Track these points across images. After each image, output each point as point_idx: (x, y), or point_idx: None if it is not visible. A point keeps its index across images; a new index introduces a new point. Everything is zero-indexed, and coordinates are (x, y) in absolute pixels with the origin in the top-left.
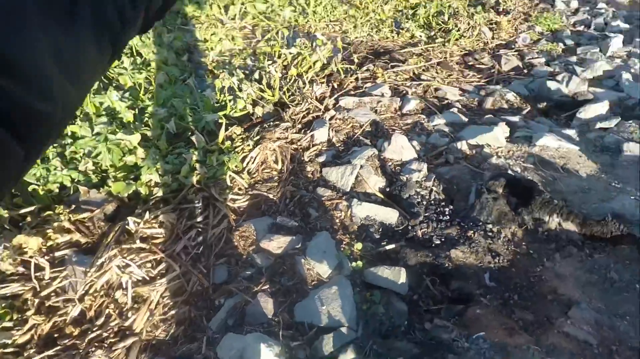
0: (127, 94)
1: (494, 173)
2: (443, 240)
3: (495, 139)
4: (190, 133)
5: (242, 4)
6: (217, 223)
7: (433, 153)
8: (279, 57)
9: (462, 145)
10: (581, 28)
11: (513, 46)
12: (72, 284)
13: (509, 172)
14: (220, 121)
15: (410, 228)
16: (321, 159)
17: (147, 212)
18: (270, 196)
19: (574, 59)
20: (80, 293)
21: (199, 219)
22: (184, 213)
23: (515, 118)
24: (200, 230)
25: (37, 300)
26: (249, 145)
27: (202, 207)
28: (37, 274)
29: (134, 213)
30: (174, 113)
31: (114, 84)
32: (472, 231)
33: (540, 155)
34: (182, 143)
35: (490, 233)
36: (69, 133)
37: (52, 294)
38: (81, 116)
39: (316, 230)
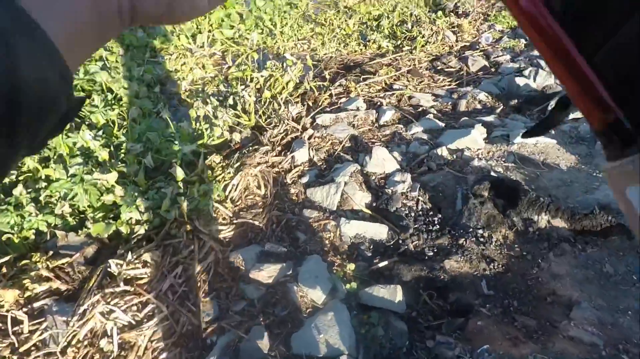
0: (100, 132)
1: (477, 176)
2: (435, 251)
3: (474, 142)
4: (169, 167)
5: (209, 31)
6: (203, 257)
7: (415, 162)
8: (251, 80)
9: (443, 151)
10: None
11: (477, 47)
12: (54, 336)
13: (492, 173)
14: (198, 150)
15: (401, 242)
16: (304, 180)
17: (130, 252)
18: (256, 223)
19: (536, 52)
20: (63, 344)
21: (184, 254)
22: (168, 249)
23: (491, 118)
24: (186, 266)
25: (15, 357)
26: (229, 172)
27: (187, 241)
28: (15, 328)
29: (116, 254)
30: (150, 148)
31: (86, 122)
32: (463, 239)
33: (519, 153)
34: (162, 177)
35: (481, 239)
36: (43, 177)
37: (32, 348)
38: (55, 158)
39: (306, 254)
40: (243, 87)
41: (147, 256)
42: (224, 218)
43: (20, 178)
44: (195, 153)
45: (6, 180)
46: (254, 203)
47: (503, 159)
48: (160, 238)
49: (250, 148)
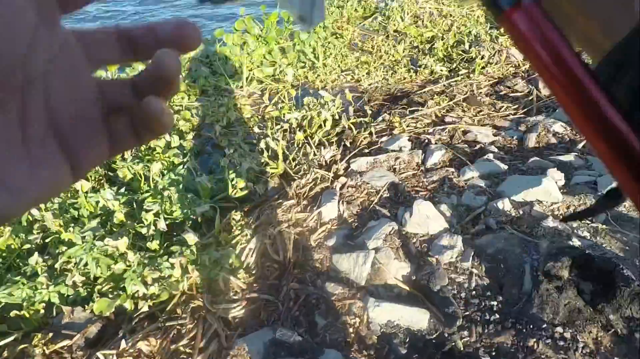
0: (123, 189)
1: (552, 247)
2: (494, 353)
3: (546, 193)
4: (184, 229)
5: (250, 70)
6: (205, 345)
7: (468, 218)
8: (287, 121)
9: (505, 204)
10: None
11: None
12: None
13: (574, 239)
14: (216, 206)
15: (446, 336)
16: (331, 242)
17: (124, 340)
18: (271, 298)
19: None
20: None
21: (185, 342)
22: (170, 332)
23: (570, 157)
24: (184, 357)
25: None
26: (246, 234)
27: (191, 322)
28: None
29: (117, 335)
30: (166, 206)
31: (118, 179)
32: (533, 339)
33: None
34: (177, 240)
35: (561, 341)
36: (66, 240)
37: None
38: (80, 219)
39: (325, 346)
40: (278, 127)
41: (142, 345)
42: (235, 292)
43: (47, 240)
44: (215, 209)
45: (31, 245)
46: (271, 272)
47: (590, 218)
48: (164, 318)
49: (273, 203)
